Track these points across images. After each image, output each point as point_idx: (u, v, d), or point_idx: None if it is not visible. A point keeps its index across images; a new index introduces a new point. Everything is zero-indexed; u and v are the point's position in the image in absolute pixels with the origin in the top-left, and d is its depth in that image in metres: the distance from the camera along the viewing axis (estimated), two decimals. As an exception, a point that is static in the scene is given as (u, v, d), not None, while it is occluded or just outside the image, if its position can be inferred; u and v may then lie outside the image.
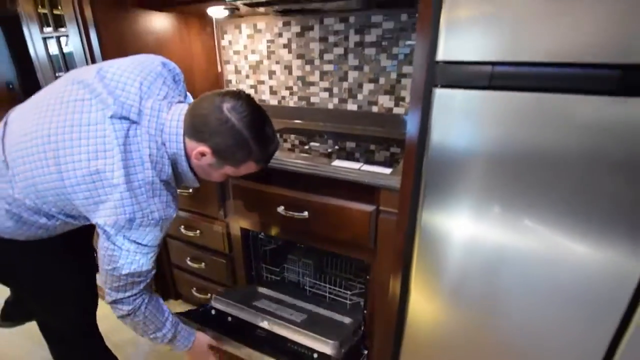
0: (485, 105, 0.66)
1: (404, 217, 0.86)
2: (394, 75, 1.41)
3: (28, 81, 2.74)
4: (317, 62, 1.55)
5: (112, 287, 0.77)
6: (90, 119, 0.71)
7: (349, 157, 1.09)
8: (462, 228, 0.77)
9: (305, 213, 1.08)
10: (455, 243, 0.79)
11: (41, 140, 0.71)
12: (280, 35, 1.59)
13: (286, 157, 1.08)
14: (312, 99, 1.62)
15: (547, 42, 0.58)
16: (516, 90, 0.62)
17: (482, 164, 0.70)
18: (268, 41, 1.63)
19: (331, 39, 1.48)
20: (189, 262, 1.48)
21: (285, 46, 1.60)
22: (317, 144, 1.24)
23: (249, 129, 0.74)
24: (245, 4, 1.24)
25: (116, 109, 0.71)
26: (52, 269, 0.88)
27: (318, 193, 1.06)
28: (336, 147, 1.21)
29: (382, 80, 1.44)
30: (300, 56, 1.58)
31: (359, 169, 0.97)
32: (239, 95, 0.75)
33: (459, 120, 0.69)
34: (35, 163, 0.72)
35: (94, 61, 1.30)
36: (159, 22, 1.47)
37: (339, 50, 1.48)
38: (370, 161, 1.02)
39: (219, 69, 1.81)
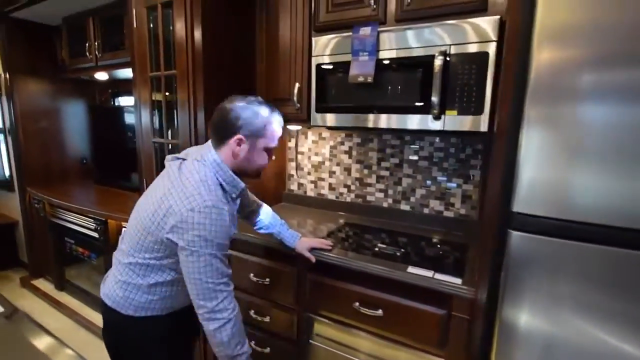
0: (554, 247, 0.86)
1: (479, 325, 1.01)
2: (444, 184, 1.65)
3: (98, 158, 3.12)
4: (374, 167, 1.82)
5: (205, 298, 0.93)
6: (163, 173, 1.05)
7: (419, 262, 1.26)
8: (539, 337, 0.91)
9: (380, 311, 1.23)
10: (533, 347, 0.93)
11: (137, 207, 1.05)
12: (342, 143, 1.90)
13: (363, 260, 1.27)
14: (368, 198, 1.86)
15: (602, 209, 0.79)
16: (579, 241, 0.83)
17: (562, 279, 0.87)
18: (331, 147, 1.93)
19: (388, 150, 1.77)
20: (253, 345, 1.59)
21: (346, 152, 1.89)
22: (383, 246, 1.44)
23: (250, 101, 1.00)
24: (327, 127, 1.54)
25: (173, 157, 1.06)
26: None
27: (392, 293, 1.22)
28: (402, 250, 1.40)
29: (433, 188, 1.68)
30: (359, 161, 1.86)
31: (432, 277, 1.14)
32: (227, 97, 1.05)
33: (532, 251, 0.89)
34: (132, 221, 1.03)
35: (197, 133, 1.59)
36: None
37: (395, 160, 1.75)
38: (440, 268, 1.19)
39: (285, 165, 2.10)
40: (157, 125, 1.73)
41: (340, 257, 1.31)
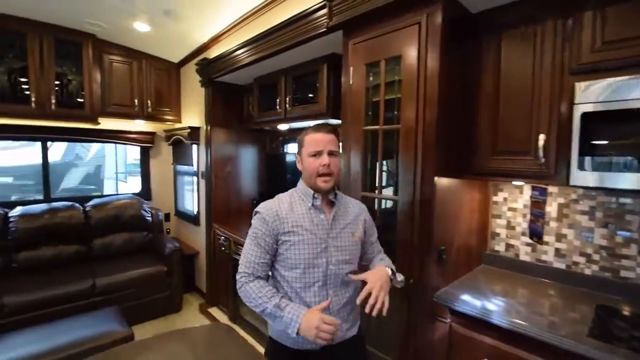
0: None
1: None
2: None
3: (265, 197, 3.38)
4: (635, 235, 1.42)
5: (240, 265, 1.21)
6: None
7: None
8: None
9: None
10: None
11: None
12: (577, 202, 1.57)
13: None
14: (623, 273, 1.45)
15: None
16: None
17: None
18: (560, 205, 1.62)
19: (660, 214, 1.37)
20: None
21: (584, 213, 1.55)
22: None
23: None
24: (599, 189, 1.26)
25: None
26: None
27: None
28: None
29: None
30: (607, 225, 1.49)
31: None
32: None
33: None
34: None
35: (422, 189, 1.46)
36: (456, 181, 1.62)
37: (674, 228, 1.34)
38: None
39: (488, 221, 1.86)
40: (368, 179, 1.71)
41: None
